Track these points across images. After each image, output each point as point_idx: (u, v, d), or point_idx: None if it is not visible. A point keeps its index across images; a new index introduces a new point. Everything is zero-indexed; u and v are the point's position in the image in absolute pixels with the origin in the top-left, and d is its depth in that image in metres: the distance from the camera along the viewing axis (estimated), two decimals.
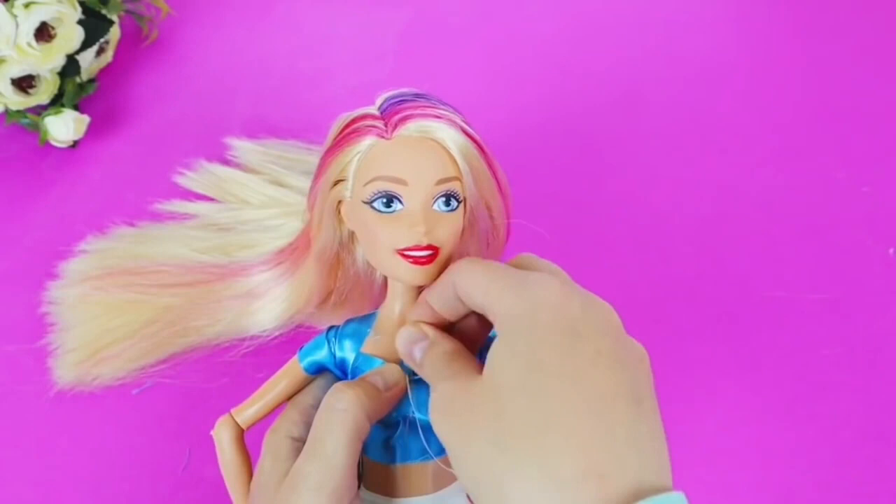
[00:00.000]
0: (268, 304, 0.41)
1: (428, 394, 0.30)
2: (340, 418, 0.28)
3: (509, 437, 0.23)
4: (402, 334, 0.29)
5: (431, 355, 0.28)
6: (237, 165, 0.52)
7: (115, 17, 0.58)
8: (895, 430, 0.41)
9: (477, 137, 0.32)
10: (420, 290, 0.32)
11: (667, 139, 0.54)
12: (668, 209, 0.51)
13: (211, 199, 0.51)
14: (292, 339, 0.39)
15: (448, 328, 0.30)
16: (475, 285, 0.27)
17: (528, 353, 0.24)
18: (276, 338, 0.41)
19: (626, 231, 0.50)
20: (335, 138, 0.33)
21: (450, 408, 0.26)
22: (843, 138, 0.54)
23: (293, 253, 0.39)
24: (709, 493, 0.40)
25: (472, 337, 0.30)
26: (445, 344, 0.28)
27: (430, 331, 0.29)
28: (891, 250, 0.48)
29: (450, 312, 0.29)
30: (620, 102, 0.57)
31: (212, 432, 0.33)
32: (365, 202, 0.31)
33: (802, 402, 0.42)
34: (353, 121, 0.32)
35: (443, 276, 0.29)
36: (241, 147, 0.53)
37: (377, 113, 0.32)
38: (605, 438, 0.23)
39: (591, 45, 0.61)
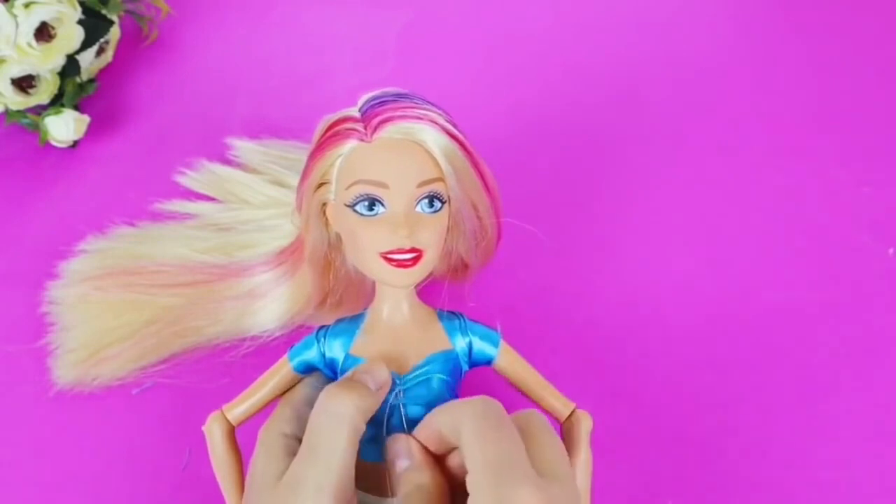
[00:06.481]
0: (268, 305, 0.41)
1: (414, 391, 0.30)
2: (339, 421, 0.28)
3: None
4: (393, 443, 0.29)
5: (406, 482, 0.28)
6: (238, 165, 0.52)
7: (115, 17, 0.58)
8: (895, 430, 0.41)
9: (460, 136, 0.32)
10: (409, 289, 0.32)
11: (666, 139, 0.54)
12: (667, 209, 0.51)
13: (211, 199, 0.51)
14: (293, 339, 0.39)
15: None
16: (467, 454, 0.26)
17: None
18: (276, 338, 0.41)
19: (625, 231, 0.50)
20: (318, 141, 0.33)
21: None
22: (843, 138, 0.54)
23: (293, 254, 0.39)
24: (710, 493, 0.40)
25: (459, 471, 0.29)
26: (422, 477, 0.28)
27: (417, 452, 0.28)
28: (891, 250, 0.48)
29: (438, 446, 0.29)
30: (619, 102, 0.57)
31: (203, 427, 0.33)
32: (347, 205, 0.31)
33: (802, 402, 0.42)
34: (335, 123, 0.32)
35: (447, 413, 0.28)
36: (242, 147, 0.53)
37: (358, 115, 0.32)
38: None
39: (591, 44, 0.61)
